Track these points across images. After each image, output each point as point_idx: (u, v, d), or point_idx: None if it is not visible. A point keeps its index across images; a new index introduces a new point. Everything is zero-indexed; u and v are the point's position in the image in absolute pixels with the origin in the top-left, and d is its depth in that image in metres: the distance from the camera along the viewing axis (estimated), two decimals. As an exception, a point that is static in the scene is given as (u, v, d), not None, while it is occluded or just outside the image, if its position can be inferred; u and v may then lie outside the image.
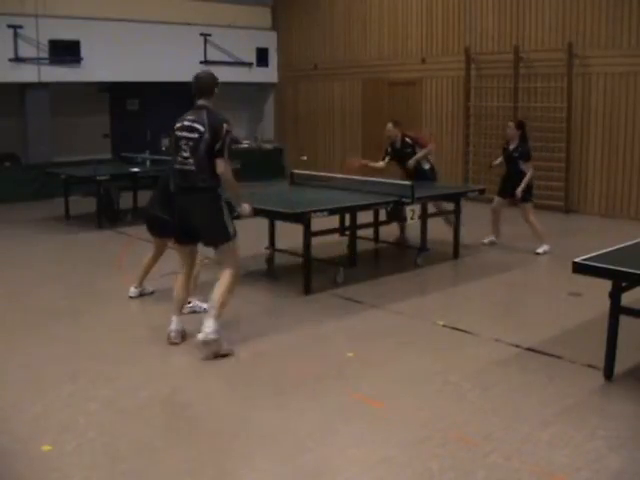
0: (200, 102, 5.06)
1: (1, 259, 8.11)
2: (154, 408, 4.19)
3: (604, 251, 4.84)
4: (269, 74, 15.78)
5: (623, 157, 10.45)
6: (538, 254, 8.15)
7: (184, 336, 5.28)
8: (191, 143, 4.94)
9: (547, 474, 3.43)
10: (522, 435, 3.80)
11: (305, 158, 5.77)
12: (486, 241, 8.67)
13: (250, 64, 15.28)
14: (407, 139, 8.60)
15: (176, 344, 5.22)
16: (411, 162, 8.45)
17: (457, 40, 12.36)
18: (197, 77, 5.10)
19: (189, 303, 6.04)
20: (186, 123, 5.00)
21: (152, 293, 6.55)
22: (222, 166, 4.93)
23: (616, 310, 4.42)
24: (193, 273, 5.57)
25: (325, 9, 14.72)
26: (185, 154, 4.96)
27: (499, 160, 8.59)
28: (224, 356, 4.95)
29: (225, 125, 5.01)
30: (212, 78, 5.12)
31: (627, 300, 4.50)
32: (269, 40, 15.68)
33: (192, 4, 14.19)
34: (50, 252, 8.68)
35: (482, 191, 8.76)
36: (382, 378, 4.63)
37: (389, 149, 8.69)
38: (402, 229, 8.59)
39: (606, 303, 4.46)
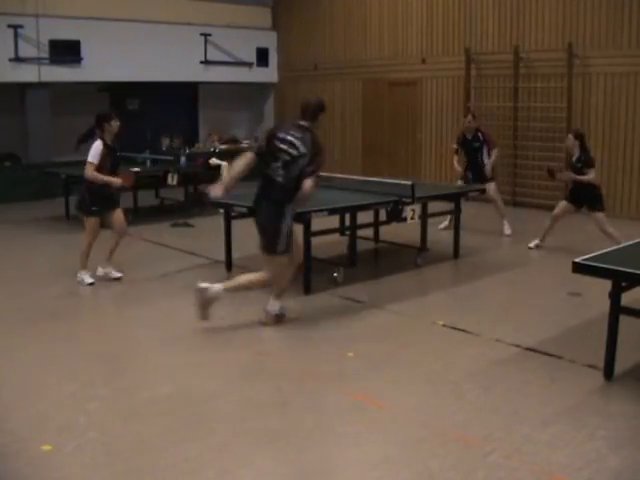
0: (303, 122, 5.41)
1: (1, 259, 8.11)
2: (154, 408, 4.19)
3: (604, 251, 4.85)
4: (269, 74, 15.78)
5: (623, 157, 10.44)
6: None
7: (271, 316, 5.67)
8: (287, 158, 5.26)
9: (547, 474, 3.44)
10: (522, 435, 3.80)
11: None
12: (532, 245, 8.39)
13: (250, 64, 15.28)
14: (479, 134, 9.19)
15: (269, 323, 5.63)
16: (488, 167, 9.07)
17: (457, 40, 12.36)
18: (307, 101, 5.53)
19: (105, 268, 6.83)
20: (289, 138, 5.30)
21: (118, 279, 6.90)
22: (308, 184, 5.28)
23: (616, 310, 4.43)
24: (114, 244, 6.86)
25: (325, 9, 14.72)
26: (278, 165, 5.30)
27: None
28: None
29: (320, 157, 5.44)
30: (319, 107, 5.53)
31: (627, 300, 4.50)
32: (269, 40, 15.68)
33: (192, 4, 14.19)
34: (50, 252, 8.67)
35: (482, 191, 8.77)
36: (382, 378, 4.63)
37: (461, 139, 9.30)
38: (450, 220, 8.82)
39: (606, 303, 4.46)
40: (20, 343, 5.29)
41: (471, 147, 9.16)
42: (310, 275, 6.51)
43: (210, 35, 14.40)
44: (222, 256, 7.44)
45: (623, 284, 4.39)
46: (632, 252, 4.91)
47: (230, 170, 5.69)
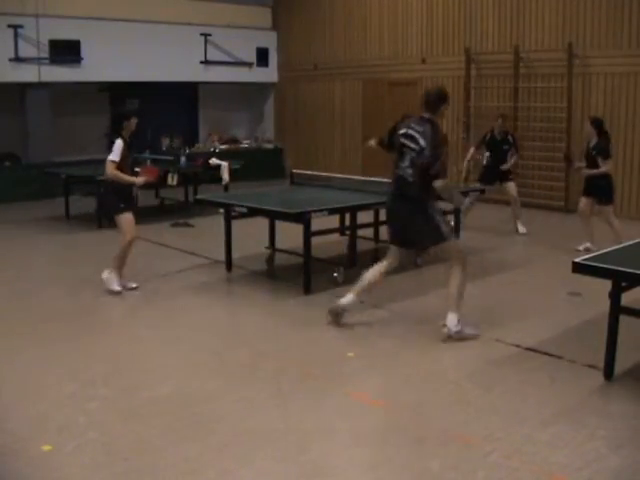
0: (426, 115, 5.21)
1: (1, 259, 8.11)
2: (154, 408, 4.18)
3: (604, 251, 4.85)
4: (269, 74, 15.78)
5: (623, 157, 10.44)
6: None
7: (340, 315, 5.59)
8: (413, 154, 5.13)
9: (547, 474, 3.44)
10: (522, 435, 3.80)
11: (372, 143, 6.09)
12: (581, 248, 7.95)
13: (250, 64, 15.28)
14: (510, 137, 9.40)
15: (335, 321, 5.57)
16: (506, 167, 9.30)
17: (457, 40, 12.36)
18: (428, 92, 5.34)
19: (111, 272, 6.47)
20: (410, 132, 5.17)
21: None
22: (438, 183, 5.11)
23: (616, 310, 4.42)
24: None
25: (325, 9, 14.72)
26: (407, 162, 5.17)
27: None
28: (469, 339, 5.27)
29: (444, 148, 5.24)
30: (441, 96, 5.30)
31: (627, 300, 4.50)
32: (269, 40, 15.67)
33: (192, 4, 14.19)
34: (50, 252, 8.68)
35: (482, 191, 8.77)
36: (382, 378, 4.63)
37: (488, 136, 9.39)
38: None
39: (606, 303, 4.46)
40: (20, 343, 5.29)
41: (500, 148, 9.29)
42: (310, 275, 6.51)
43: (210, 35, 14.40)
44: (222, 256, 7.44)
45: (623, 284, 4.39)
46: (632, 252, 4.90)
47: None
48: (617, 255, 4.79)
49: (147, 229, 9.57)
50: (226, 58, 14.78)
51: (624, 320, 4.47)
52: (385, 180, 8.11)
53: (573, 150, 10.44)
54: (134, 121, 6.56)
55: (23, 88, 12.54)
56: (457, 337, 5.22)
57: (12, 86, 12.34)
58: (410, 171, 5.14)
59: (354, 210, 7.11)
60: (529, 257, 8.24)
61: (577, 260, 4.50)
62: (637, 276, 4.26)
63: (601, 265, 4.40)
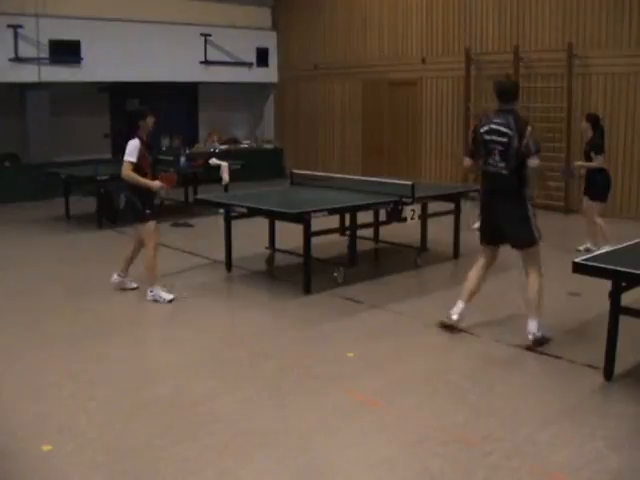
0: (506, 106, 5.20)
1: (1, 259, 8.11)
2: (154, 408, 4.19)
3: (604, 251, 4.84)
4: (269, 74, 15.78)
5: (623, 157, 10.44)
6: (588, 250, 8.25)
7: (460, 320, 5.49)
8: (501, 148, 5.11)
9: (547, 474, 3.44)
10: (522, 435, 3.80)
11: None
12: (581, 248, 8.07)
13: (250, 64, 15.28)
14: None
15: (449, 327, 5.45)
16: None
17: (457, 40, 12.36)
18: (500, 83, 5.33)
19: (151, 291, 6.27)
20: (493, 127, 5.16)
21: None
22: (534, 162, 5.08)
23: (616, 310, 4.42)
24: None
25: (325, 9, 14.72)
26: (497, 157, 5.13)
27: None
28: (546, 342, 5.20)
29: (529, 127, 5.13)
30: (516, 85, 5.43)
31: (627, 300, 4.50)
32: (269, 40, 15.68)
33: (192, 4, 14.19)
34: (50, 252, 8.68)
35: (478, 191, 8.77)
36: (382, 378, 4.63)
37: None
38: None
39: (606, 303, 4.46)
40: (20, 343, 5.29)
41: None
42: (310, 275, 6.51)
43: (210, 35, 14.40)
44: (222, 256, 7.44)
45: (623, 284, 4.39)
46: (632, 252, 4.90)
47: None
48: (617, 255, 4.79)
49: (147, 229, 9.58)
50: (226, 58, 14.78)
51: (624, 320, 4.47)
52: (385, 180, 8.15)
53: (573, 150, 10.46)
54: (151, 120, 6.41)
55: (23, 88, 12.54)
56: (538, 343, 5.15)
57: (12, 86, 12.34)
58: (503, 164, 5.13)
59: (354, 210, 7.10)
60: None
61: (577, 260, 4.50)
62: (637, 276, 4.27)
63: (601, 265, 4.40)
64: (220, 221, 7.53)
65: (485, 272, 5.56)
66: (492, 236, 5.43)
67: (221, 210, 7.62)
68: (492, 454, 3.60)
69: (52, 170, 11.17)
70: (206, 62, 14.45)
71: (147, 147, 6.37)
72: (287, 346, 5.27)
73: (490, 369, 4.79)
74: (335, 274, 6.84)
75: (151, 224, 6.36)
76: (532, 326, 5.19)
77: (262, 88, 16.07)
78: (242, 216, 7.15)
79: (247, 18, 15.21)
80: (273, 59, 15.75)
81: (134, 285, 6.64)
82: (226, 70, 14.82)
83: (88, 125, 13.71)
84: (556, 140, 11.05)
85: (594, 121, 7.97)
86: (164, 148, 14.01)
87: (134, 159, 6.15)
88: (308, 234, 6.43)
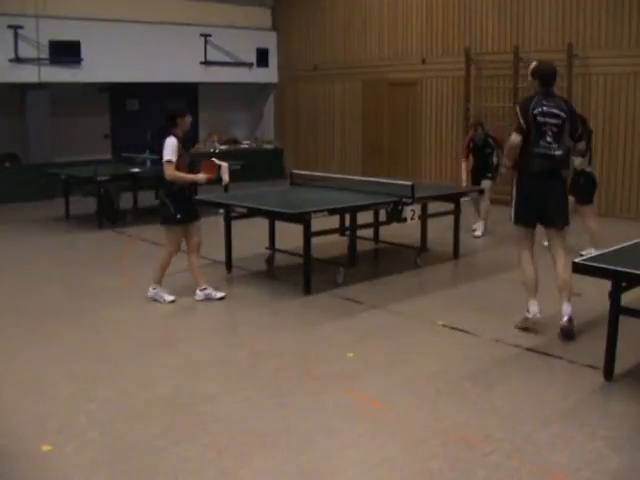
0: (552, 90, 5.33)
1: (1, 259, 8.11)
2: (154, 408, 4.19)
3: (604, 251, 4.84)
4: (269, 74, 15.79)
5: (623, 157, 10.45)
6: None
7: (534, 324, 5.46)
8: (555, 129, 5.20)
9: (547, 474, 3.43)
10: (522, 435, 3.80)
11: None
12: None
13: (250, 64, 15.29)
14: (489, 139, 9.23)
15: (529, 329, 5.43)
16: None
17: (457, 40, 12.36)
18: (546, 66, 5.39)
19: (204, 289, 6.17)
20: (545, 109, 5.21)
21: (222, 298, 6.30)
22: (583, 144, 5.48)
23: (616, 310, 4.42)
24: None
25: (325, 9, 14.72)
26: (549, 139, 5.20)
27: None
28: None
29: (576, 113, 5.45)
30: (552, 69, 5.44)
31: (627, 300, 4.50)
32: (269, 40, 15.68)
33: (192, 4, 14.20)
34: (50, 252, 8.68)
35: (482, 191, 8.77)
36: (382, 378, 4.63)
37: (471, 145, 9.29)
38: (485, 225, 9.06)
39: (606, 303, 4.46)
40: (20, 343, 5.29)
41: (482, 153, 9.20)
42: (310, 275, 6.51)
43: (210, 35, 14.41)
44: (222, 256, 7.44)
45: (623, 284, 4.39)
46: (632, 252, 4.90)
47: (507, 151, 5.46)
48: (617, 255, 4.79)
49: (147, 229, 9.59)
50: (226, 58, 14.79)
51: (624, 320, 4.47)
52: (385, 180, 8.15)
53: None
54: (189, 119, 6.20)
55: (23, 88, 12.54)
56: (570, 329, 5.23)
57: (12, 86, 12.35)
58: (555, 145, 5.20)
59: (354, 210, 7.10)
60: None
61: (577, 260, 4.50)
62: (637, 276, 4.27)
63: (601, 265, 4.40)
64: (220, 221, 7.53)
65: (533, 258, 5.61)
66: (533, 217, 5.44)
67: (221, 210, 7.62)
68: (492, 454, 3.60)
69: (52, 170, 11.18)
70: (206, 62, 14.45)
71: (183, 146, 6.16)
72: (287, 346, 5.26)
73: (490, 369, 4.78)
74: (335, 274, 6.84)
75: (178, 229, 6.13)
76: (568, 308, 5.28)
77: (262, 88, 16.08)
78: (242, 216, 7.15)
79: (247, 18, 15.21)
80: (273, 59, 15.76)
81: (220, 295, 6.32)
82: (226, 70, 14.83)
83: (88, 125, 13.72)
84: (556, 140, 11.05)
85: (582, 122, 8.02)
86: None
87: (174, 158, 5.92)
88: (308, 234, 6.43)
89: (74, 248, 8.98)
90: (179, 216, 6.05)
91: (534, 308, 5.44)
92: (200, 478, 3.43)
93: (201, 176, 6.21)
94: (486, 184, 9.07)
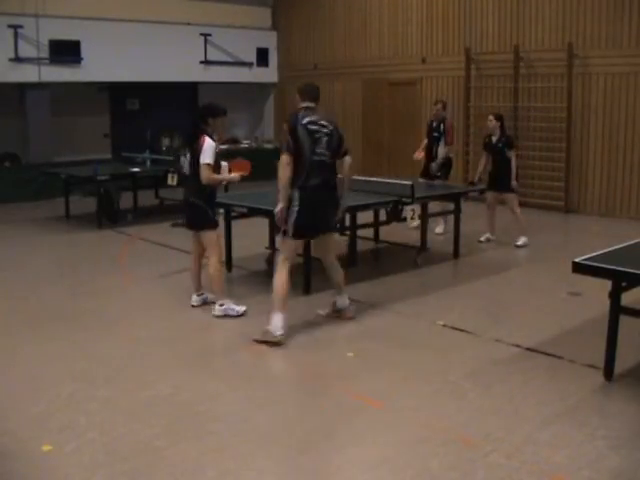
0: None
1: (1, 259, 8.11)
2: (154, 408, 4.19)
3: (604, 251, 4.84)
4: (269, 74, 15.78)
5: (623, 157, 10.44)
6: (518, 247, 8.51)
7: None
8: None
9: (547, 474, 3.43)
10: (522, 435, 3.80)
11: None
12: (483, 239, 8.79)
13: (250, 64, 15.28)
14: (442, 125, 9.12)
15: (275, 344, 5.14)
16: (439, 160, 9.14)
17: (457, 40, 12.36)
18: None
19: (201, 294, 6.09)
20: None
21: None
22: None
23: (616, 310, 4.42)
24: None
25: (325, 9, 14.72)
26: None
27: (482, 165, 8.89)
28: None
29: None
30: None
31: (627, 300, 4.50)
32: (269, 40, 15.68)
33: (192, 4, 14.19)
34: (50, 252, 8.67)
35: (482, 191, 8.77)
36: (382, 378, 4.63)
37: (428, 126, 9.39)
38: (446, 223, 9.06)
39: (606, 303, 4.46)
40: (20, 343, 5.29)
41: (431, 133, 9.21)
42: (310, 275, 6.51)
43: (210, 35, 14.41)
44: (222, 256, 7.42)
45: (623, 284, 4.39)
46: (632, 252, 4.90)
47: None
48: (617, 255, 4.79)
49: (147, 229, 9.61)
50: (226, 58, 14.79)
51: (624, 320, 4.47)
52: (385, 180, 8.13)
53: (573, 150, 10.43)
54: (222, 121, 5.89)
55: (23, 88, 12.54)
56: None
57: (12, 86, 12.35)
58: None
59: (354, 210, 7.10)
60: (529, 257, 8.24)
61: (577, 260, 4.50)
62: (637, 276, 4.27)
63: (601, 265, 4.40)
64: (220, 221, 7.51)
65: None
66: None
67: (221, 210, 7.61)
68: (492, 454, 3.60)
69: (52, 170, 11.17)
70: (206, 62, 14.45)
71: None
72: (287, 346, 5.26)
73: (490, 369, 4.78)
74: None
75: (218, 232, 6.00)
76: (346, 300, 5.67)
77: (262, 88, 16.07)
78: (242, 216, 7.15)
79: (247, 18, 15.21)
80: (273, 59, 15.76)
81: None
82: (226, 70, 14.83)
83: (88, 125, 13.72)
84: (556, 140, 11.06)
85: (502, 120, 8.56)
86: (164, 148, 14.01)
87: (212, 161, 5.64)
88: (308, 234, 6.42)
89: (74, 248, 8.98)
90: (216, 219, 5.92)
91: (279, 323, 5.17)
92: (200, 478, 3.43)
93: (235, 175, 6.10)
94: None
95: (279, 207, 5.27)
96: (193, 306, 6.12)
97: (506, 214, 8.68)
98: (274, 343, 5.11)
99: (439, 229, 9.16)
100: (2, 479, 3.44)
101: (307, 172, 5.25)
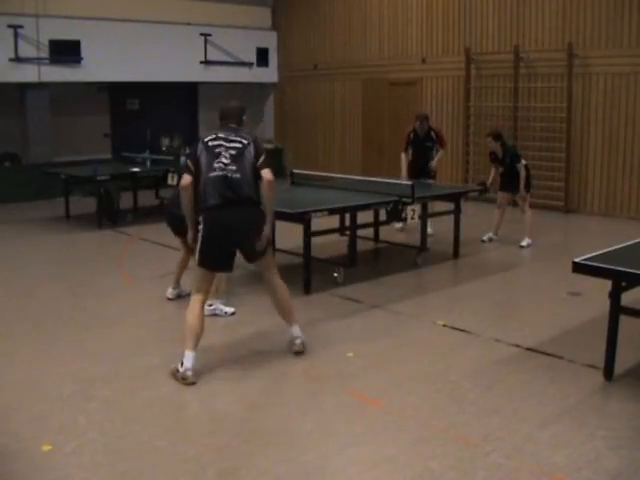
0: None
1: (1, 259, 8.11)
2: (154, 408, 4.19)
3: (604, 251, 4.84)
4: (269, 74, 15.78)
5: (623, 157, 10.45)
6: (522, 247, 8.51)
7: None
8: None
9: (547, 474, 3.44)
10: (522, 435, 3.80)
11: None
12: (485, 238, 8.80)
13: (250, 64, 15.28)
14: (432, 134, 9.22)
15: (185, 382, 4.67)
16: (434, 163, 9.17)
17: (457, 40, 12.36)
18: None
19: (210, 305, 5.88)
20: None
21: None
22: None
23: (616, 310, 4.42)
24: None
25: (325, 9, 14.72)
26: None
27: (491, 177, 8.88)
28: None
29: None
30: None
31: (627, 300, 4.50)
32: (269, 40, 15.68)
33: (192, 4, 14.19)
34: (50, 252, 8.68)
35: (481, 192, 8.77)
36: (382, 378, 4.63)
37: (412, 136, 9.30)
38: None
39: (606, 303, 4.46)
40: (20, 343, 5.29)
41: (423, 146, 9.19)
42: (310, 275, 6.51)
43: (210, 35, 14.40)
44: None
45: (623, 284, 4.39)
46: (632, 252, 4.90)
47: None
48: (617, 255, 4.79)
49: (147, 229, 9.60)
50: (226, 58, 14.78)
51: (624, 320, 4.47)
52: (385, 180, 8.14)
53: (573, 150, 10.43)
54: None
55: (23, 88, 12.54)
56: None
57: (12, 86, 12.34)
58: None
59: (354, 210, 7.10)
60: (529, 257, 8.24)
61: (577, 260, 4.50)
62: (637, 276, 4.27)
63: (601, 265, 4.40)
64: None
65: None
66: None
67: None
68: (492, 454, 3.60)
69: (52, 170, 11.17)
70: (206, 62, 14.44)
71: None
72: (287, 346, 5.26)
73: (490, 369, 4.78)
74: (335, 274, 6.84)
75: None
76: (298, 330, 5.08)
77: (262, 88, 16.07)
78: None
79: (247, 18, 15.21)
80: (273, 59, 15.75)
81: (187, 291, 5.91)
82: (226, 70, 14.82)
83: (88, 125, 13.71)
84: (556, 140, 11.06)
85: (501, 138, 8.56)
86: (164, 148, 14.02)
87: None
88: (308, 234, 6.43)
89: (74, 247, 8.98)
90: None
91: (189, 363, 4.56)
92: (200, 478, 3.43)
93: None
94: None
95: (189, 235, 4.89)
96: (169, 299, 6.29)
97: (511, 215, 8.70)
98: (187, 383, 4.52)
99: (399, 225, 8.98)
100: (2, 479, 3.44)
101: (204, 191, 4.69)
